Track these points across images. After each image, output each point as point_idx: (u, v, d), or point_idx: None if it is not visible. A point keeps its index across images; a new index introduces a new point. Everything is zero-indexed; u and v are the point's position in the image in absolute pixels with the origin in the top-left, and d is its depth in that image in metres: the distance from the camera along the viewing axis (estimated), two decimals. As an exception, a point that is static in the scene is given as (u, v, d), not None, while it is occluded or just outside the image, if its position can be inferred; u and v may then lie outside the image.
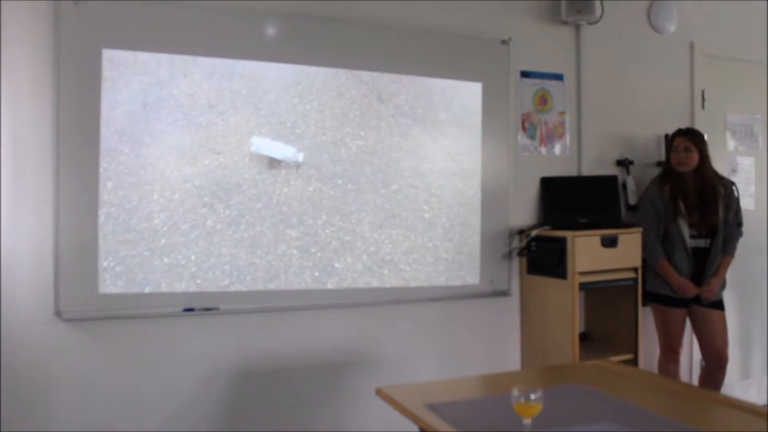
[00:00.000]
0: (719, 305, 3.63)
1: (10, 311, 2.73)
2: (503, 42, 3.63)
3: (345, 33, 3.24)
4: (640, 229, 3.57)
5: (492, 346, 3.65)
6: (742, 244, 3.71)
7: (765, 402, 4.16)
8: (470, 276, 3.47)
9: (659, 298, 3.64)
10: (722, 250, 3.59)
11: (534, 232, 3.55)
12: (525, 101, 3.72)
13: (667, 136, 3.86)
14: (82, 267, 2.79)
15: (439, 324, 3.53)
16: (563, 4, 3.74)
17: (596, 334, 3.81)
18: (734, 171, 4.38)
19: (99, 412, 2.89)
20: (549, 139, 3.79)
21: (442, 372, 3.38)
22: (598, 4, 3.74)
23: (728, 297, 3.82)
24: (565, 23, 3.82)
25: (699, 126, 4.06)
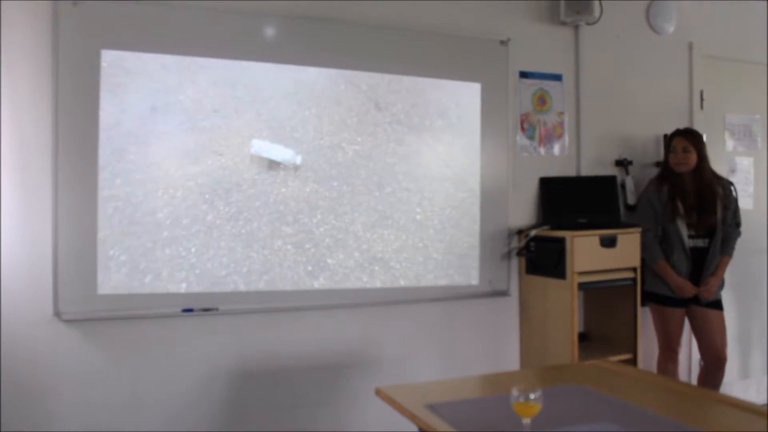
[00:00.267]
0: (718, 305, 3.64)
1: (9, 312, 2.73)
2: (502, 42, 3.63)
3: (344, 34, 3.25)
4: (639, 229, 3.58)
5: (491, 346, 3.66)
6: (741, 244, 3.71)
7: (764, 401, 4.17)
8: (465, 276, 3.47)
9: (658, 298, 3.64)
10: (720, 251, 3.60)
11: (533, 233, 3.55)
12: (524, 102, 3.72)
13: (665, 136, 3.87)
14: (81, 268, 2.79)
15: (439, 324, 3.53)
16: (562, 4, 3.75)
17: (595, 334, 3.81)
18: (733, 171, 4.38)
19: (98, 413, 2.89)
20: (548, 139, 3.79)
21: (441, 372, 3.38)
22: (596, 4, 3.75)
23: (727, 297, 3.82)
24: (564, 24, 3.82)
25: (698, 126, 4.06)
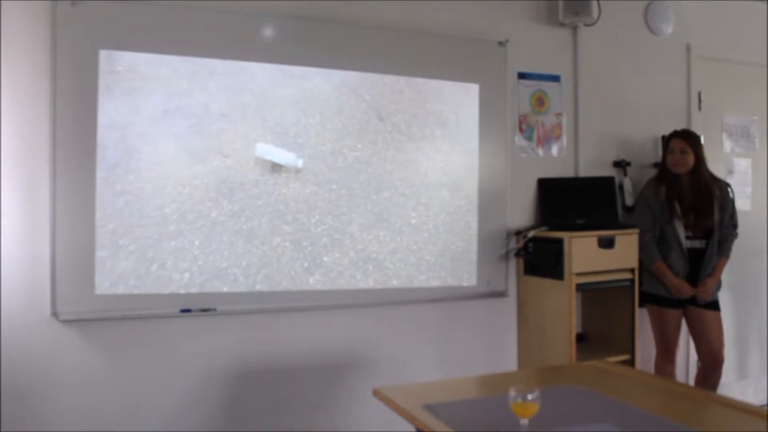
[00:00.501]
0: (715, 306, 3.64)
1: (7, 312, 2.73)
2: (500, 43, 3.63)
3: (341, 34, 3.25)
4: (637, 230, 3.58)
5: (489, 346, 3.66)
6: (738, 245, 3.72)
7: (762, 402, 4.17)
8: (457, 278, 3.47)
9: (655, 299, 3.65)
10: (717, 252, 3.60)
11: (531, 233, 3.55)
12: (522, 103, 3.72)
13: (663, 137, 3.87)
14: (78, 268, 2.79)
15: (437, 325, 3.54)
16: (560, 5, 3.75)
17: (593, 335, 3.82)
18: (731, 172, 4.39)
19: (96, 413, 2.88)
20: (546, 140, 3.79)
21: (439, 373, 3.39)
22: (595, 5, 3.75)
23: (725, 298, 3.83)
24: (562, 25, 3.82)
25: (696, 127, 4.07)
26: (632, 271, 3.57)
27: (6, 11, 2.72)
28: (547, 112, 3.80)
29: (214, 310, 3.02)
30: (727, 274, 3.73)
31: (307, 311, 3.22)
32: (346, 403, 3.31)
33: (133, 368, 2.96)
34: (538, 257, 3.54)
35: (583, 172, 3.88)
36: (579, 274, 3.39)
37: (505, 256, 3.64)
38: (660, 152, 3.94)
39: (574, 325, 3.41)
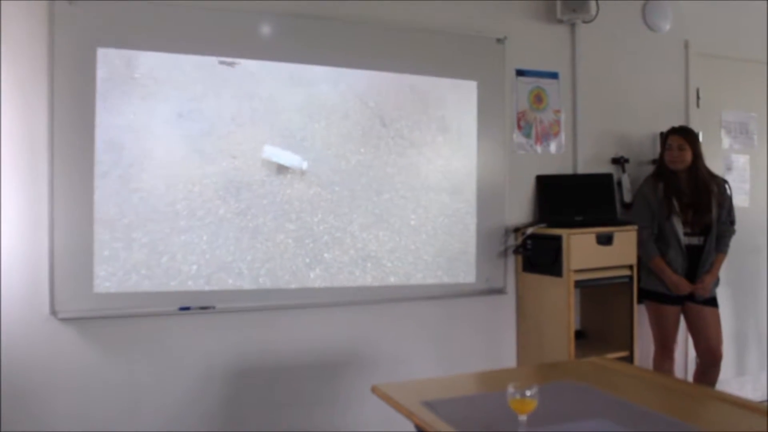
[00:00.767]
0: (713, 302, 3.65)
1: (5, 310, 2.73)
2: (499, 40, 3.63)
3: (340, 32, 3.25)
4: (635, 227, 3.58)
5: (488, 343, 3.66)
6: (737, 242, 3.72)
7: (760, 398, 4.18)
8: (453, 278, 3.48)
9: (653, 296, 3.65)
10: (715, 248, 3.61)
11: (529, 230, 3.56)
12: (520, 100, 3.73)
13: (661, 134, 3.87)
14: (77, 266, 2.80)
15: (436, 322, 3.54)
16: (558, 3, 3.75)
17: (592, 332, 3.82)
18: (729, 169, 4.40)
19: (95, 412, 2.89)
20: (544, 137, 3.79)
21: (438, 369, 3.39)
22: (593, 2, 3.75)
23: (723, 294, 3.84)
24: (560, 22, 3.82)
25: (694, 124, 4.07)
26: (631, 267, 3.57)
27: (3, 11, 2.71)
28: (545, 109, 3.80)
29: (213, 308, 3.02)
30: (725, 271, 3.74)
31: (305, 309, 3.22)
32: (345, 401, 3.31)
33: (132, 366, 2.96)
34: (537, 254, 3.54)
35: (582, 169, 3.88)
36: (577, 271, 3.39)
37: (504, 253, 3.65)
38: (658, 149, 3.94)
39: (573, 322, 3.41)
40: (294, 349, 3.23)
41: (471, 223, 3.54)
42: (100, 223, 2.72)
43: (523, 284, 3.68)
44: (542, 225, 3.56)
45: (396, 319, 3.45)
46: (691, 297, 3.59)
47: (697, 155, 3.59)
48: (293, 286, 3.06)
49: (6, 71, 2.73)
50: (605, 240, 3.46)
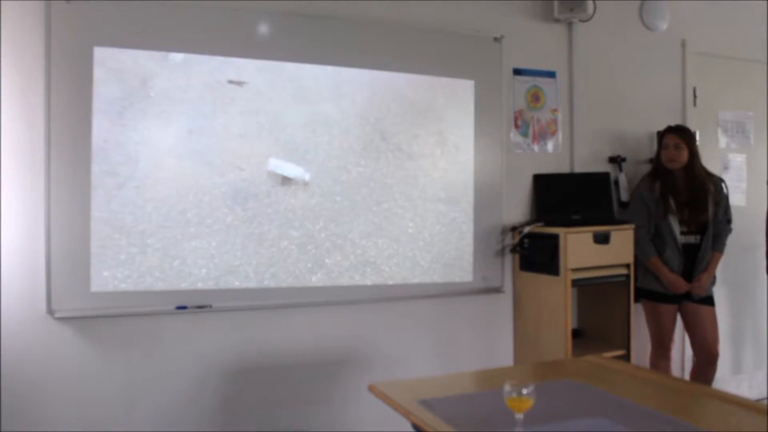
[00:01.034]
0: (709, 301, 3.65)
1: (2, 309, 2.72)
2: (496, 39, 3.63)
3: (337, 31, 3.25)
4: (632, 226, 3.59)
5: (485, 342, 3.67)
6: (734, 240, 3.73)
7: (756, 397, 4.19)
8: (454, 273, 3.51)
9: (650, 295, 3.66)
10: (712, 247, 3.61)
11: (527, 229, 3.56)
12: (517, 98, 3.73)
13: (658, 133, 3.88)
14: (74, 266, 2.79)
15: (433, 321, 3.54)
16: (556, 2, 3.75)
17: (589, 331, 3.83)
18: (726, 168, 4.40)
19: (92, 411, 2.88)
20: (541, 136, 3.80)
21: (435, 368, 3.39)
22: (590, 2, 3.76)
23: (720, 293, 3.84)
24: (557, 21, 3.83)
25: (691, 123, 4.08)
26: (627, 266, 3.58)
27: (1, 10, 2.71)
28: (542, 108, 3.80)
29: (210, 307, 3.02)
30: (721, 270, 3.74)
31: (302, 308, 3.22)
32: (342, 400, 3.31)
33: (129, 366, 2.96)
34: (534, 253, 3.55)
35: (579, 168, 3.89)
36: (574, 270, 3.40)
37: (501, 252, 3.65)
38: (655, 148, 3.95)
39: (570, 321, 3.42)
40: (291, 348, 3.23)
41: (468, 222, 3.55)
42: (115, 228, 2.83)
43: (520, 283, 3.68)
44: (539, 224, 3.56)
45: (393, 318, 3.45)
46: (687, 296, 3.60)
47: (694, 154, 3.60)
48: (296, 290, 3.12)
49: (4, 71, 2.72)
50: (602, 239, 3.47)
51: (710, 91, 4.32)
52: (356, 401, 3.24)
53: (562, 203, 3.75)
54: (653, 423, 1.82)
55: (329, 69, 3.19)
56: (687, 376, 3.97)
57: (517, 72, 3.74)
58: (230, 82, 2.98)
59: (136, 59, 2.83)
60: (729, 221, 3.68)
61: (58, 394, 2.83)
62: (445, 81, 3.48)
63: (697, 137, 3.73)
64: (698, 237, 3.61)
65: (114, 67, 2.81)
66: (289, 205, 3.08)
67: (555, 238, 3.41)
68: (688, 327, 3.73)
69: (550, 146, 3.83)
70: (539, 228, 3.54)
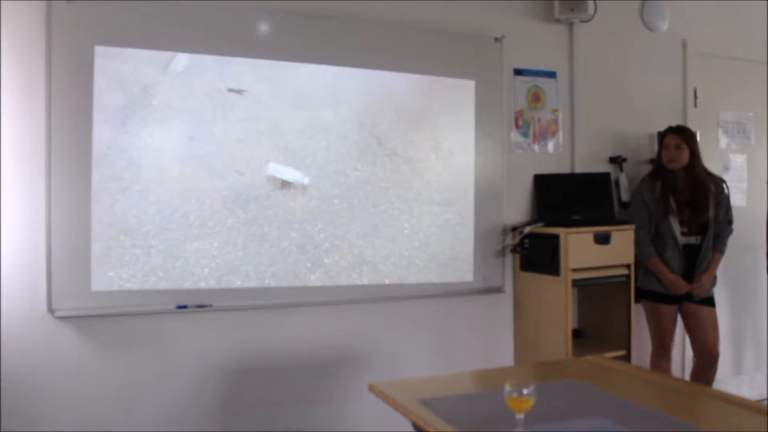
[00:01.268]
0: (710, 302, 3.65)
1: (2, 308, 2.72)
2: (496, 39, 3.63)
3: (338, 30, 3.25)
4: (633, 226, 3.59)
5: (486, 342, 3.67)
6: (734, 241, 3.73)
7: (756, 397, 4.19)
8: (455, 273, 3.52)
9: (651, 295, 3.66)
10: (713, 248, 3.61)
11: (527, 229, 3.56)
12: (518, 99, 3.73)
13: (659, 133, 3.88)
14: (74, 264, 2.79)
15: (433, 321, 3.54)
16: (556, 2, 3.75)
17: (589, 331, 3.83)
18: (727, 168, 4.40)
19: (92, 410, 2.88)
20: (542, 136, 3.80)
21: (435, 368, 3.39)
22: (591, 2, 3.76)
23: (721, 293, 3.84)
24: (558, 21, 3.83)
25: (691, 124, 4.08)
26: (628, 266, 3.58)
27: (2, 10, 2.71)
28: (543, 108, 3.80)
29: (210, 306, 3.02)
30: (722, 270, 3.74)
31: (303, 307, 3.23)
32: (343, 399, 3.31)
33: (129, 365, 2.96)
34: (534, 253, 3.55)
35: (579, 168, 3.89)
36: (575, 270, 3.40)
37: (502, 252, 3.65)
38: (655, 148, 3.95)
39: (570, 321, 3.42)
40: (291, 348, 3.23)
41: (468, 222, 3.55)
42: (120, 230, 2.87)
43: (521, 283, 3.68)
44: (540, 224, 3.56)
45: (394, 318, 3.45)
46: (688, 296, 3.60)
47: (695, 154, 3.60)
48: (296, 288, 3.15)
49: (5, 70, 2.72)
50: (603, 239, 3.47)
51: (711, 91, 4.32)
52: (356, 401, 3.24)
53: (563, 203, 3.75)
54: (654, 423, 1.82)
55: (327, 75, 3.22)
56: (687, 377, 3.97)
57: (518, 72, 3.74)
58: (230, 90, 3.04)
59: (137, 68, 2.88)
60: (730, 222, 3.68)
61: (58, 393, 2.83)
62: (445, 81, 3.48)
63: (698, 138, 3.72)
64: (699, 238, 3.60)
65: (116, 76, 2.85)
66: (289, 208, 3.15)
67: (555, 238, 3.41)
68: (689, 328, 3.73)
69: (550, 146, 3.83)
70: (540, 228, 3.54)
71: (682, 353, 4.14)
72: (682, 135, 3.61)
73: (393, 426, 2.51)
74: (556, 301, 3.43)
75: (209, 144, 3.01)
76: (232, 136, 3.05)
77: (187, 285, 2.96)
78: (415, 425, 1.91)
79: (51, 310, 2.78)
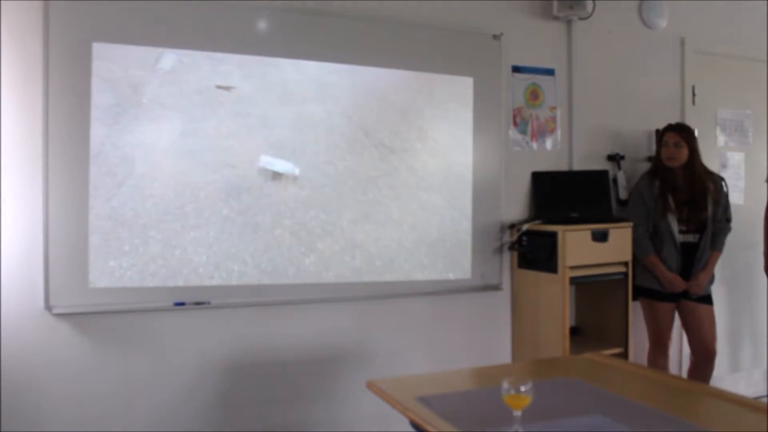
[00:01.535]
0: (707, 300, 3.66)
1: (0, 305, 2.72)
2: (495, 37, 3.63)
3: (335, 27, 3.25)
4: (631, 224, 3.59)
5: (483, 339, 3.67)
6: (731, 239, 3.73)
7: (753, 395, 4.20)
8: (453, 270, 3.53)
9: (648, 293, 3.66)
10: (711, 246, 3.62)
11: (525, 227, 3.56)
12: (516, 96, 3.73)
13: (657, 131, 3.88)
14: (72, 261, 2.79)
15: (431, 318, 3.54)
16: (555, 0, 3.74)
17: (586, 328, 3.83)
18: (724, 166, 4.41)
19: (89, 407, 2.88)
20: (540, 133, 3.80)
21: (433, 366, 3.38)
22: (589, 0, 3.75)
23: (718, 291, 3.85)
24: (556, 18, 3.82)
25: (689, 122, 4.07)
26: (626, 264, 3.58)
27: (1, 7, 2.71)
28: (541, 105, 3.80)
29: (208, 303, 3.02)
30: (720, 268, 3.75)
31: (301, 305, 3.22)
32: (341, 397, 3.32)
33: (127, 362, 2.95)
34: (532, 250, 3.55)
35: (577, 166, 3.89)
36: (573, 268, 3.40)
37: (500, 250, 3.65)
38: (654, 146, 3.95)
39: (568, 318, 3.42)
40: (289, 345, 3.23)
41: (467, 219, 3.55)
42: (117, 223, 2.90)
43: (519, 280, 3.68)
44: (538, 221, 3.57)
45: (391, 315, 3.45)
46: (685, 294, 3.60)
47: (694, 152, 3.60)
48: (291, 271, 3.20)
49: (4, 69, 2.71)
50: (600, 237, 3.47)
51: (709, 89, 4.32)
52: (354, 398, 3.24)
53: (561, 201, 3.75)
54: (651, 421, 1.83)
55: (314, 71, 3.24)
56: (684, 374, 3.98)
57: (516, 69, 3.73)
58: (218, 87, 3.07)
59: (126, 68, 2.91)
60: (728, 220, 3.68)
61: (55, 389, 2.83)
62: (444, 78, 3.48)
63: (696, 135, 3.72)
64: (697, 236, 3.61)
65: (107, 76, 2.87)
66: (281, 197, 3.20)
67: (553, 235, 3.42)
68: (686, 325, 3.73)
69: (548, 144, 3.83)
70: (538, 225, 3.54)
71: (680, 351, 4.15)
72: (682, 133, 3.61)
73: (391, 423, 2.51)
74: (554, 298, 3.43)
75: (201, 139, 3.05)
76: (223, 132, 3.09)
77: (186, 271, 2.99)
78: (413, 423, 1.91)
79: (48, 306, 2.77)
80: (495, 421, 1.76)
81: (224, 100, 3.09)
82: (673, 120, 3.86)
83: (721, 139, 4.44)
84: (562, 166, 3.87)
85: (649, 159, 3.99)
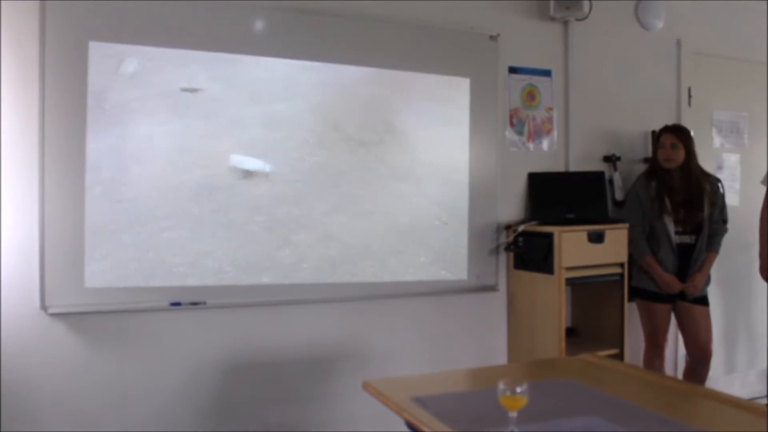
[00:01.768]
0: (703, 301, 3.66)
1: (-5, 305, 2.72)
2: (492, 38, 3.63)
3: (330, 27, 3.25)
4: (627, 225, 3.59)
5: (479, 340, 3.67)
6: (727, 241, 3.74)
7: (748, 396, 4.20)
8: (448, 271, 3.53)
9: (644, 294, 3.67)
10: (707, 247, 3.62)
11: (521, 228, 3.56)
12: (513, 97, 3.73)
13: (653, 132, 3.88)
14: (68, 261, 2.79)
15: (427, 319, 3.54)
16: (552, 0, 3.74)
17: (583, 329, 3.83)
18: (720, 168, 4.42)
19: (84, 407, 2.88)
20: (537, 134, 3.80)
21: (429, 366, 3.38)
22: (586, 1, 3.75)
23: (713, 292, 3.85)
24: (553, 19, 3.83)
25: (685, 123, 4.08)
26: (622, 265, 3.59)
27: (-5, 4, 2.71)
28: (537, 106, 3.80)
29: (204, 303, 3.01)
30: (715, 269, 3.75)
31: (297, 305, 3.22)
32: (336, 397, 3.31)
33: (122, 362, 2.95)
34: (528, 251, 3.55)
35: (574, 167, 3.89)
36: (569, 269, 3.40)
37: (495, 251, 3.65)
38: (650, 147, 3.96)
39: (564, 319, 3.42)
40: (285, 346, 3.23)
41: (463, 220, 3.55)
42: (89, 226, 2.86)
43: (515, 281, 3.69)
44: (534, 222, 3.57)
45: (387, 316, 3.45)
46: (681, 295, 3.61)
47: (691, 154, 3.60)
48: (267, 265, 3.19)
49: (4, 68, 2.71)
50: (596, 238, 3.47)
51: (705, 90, 4.33)
52: (350, 399, 3.24)
53: (557, 202, 3.75)
54: (646, 422, 1.83)
55: (283, 68, 3.23)
56: (680, 375, 3.98)
57: (513, 70, 3.74)
58: (183, 90, 3.07)
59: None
60: (725, 221, 3.68)
61: (51, 389, 2.82)
62: (440, 79, 3.49)
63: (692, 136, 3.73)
64: (693, 237, 3.61)
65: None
66: (254, 194, 3.21)
67: (549, 236, 3.42)
68: (682, 326, 3.74)
69: (545, 145, 3.83)
70: (534, 226, 3.54)
71: (675, 352, 4.15)
72: (679, 134, 3.61)
73: (386, 424, 2.51)
74: (550, 299, 3.43)
75: (169, 142, 3.02)
76: (192, 133, 3.07)
77: (182, 271, 2.99)
78: (408, 423, 1.91)
79: (44, 306, 2.77)
80: (490, 422, 1.76)
81: (190, 103, 3.07)
82: (669, 121, 3.87)
83: (717, 140, 4.45)
84: (558, 167, 3.87)
85: (646, 160, 4.00)
